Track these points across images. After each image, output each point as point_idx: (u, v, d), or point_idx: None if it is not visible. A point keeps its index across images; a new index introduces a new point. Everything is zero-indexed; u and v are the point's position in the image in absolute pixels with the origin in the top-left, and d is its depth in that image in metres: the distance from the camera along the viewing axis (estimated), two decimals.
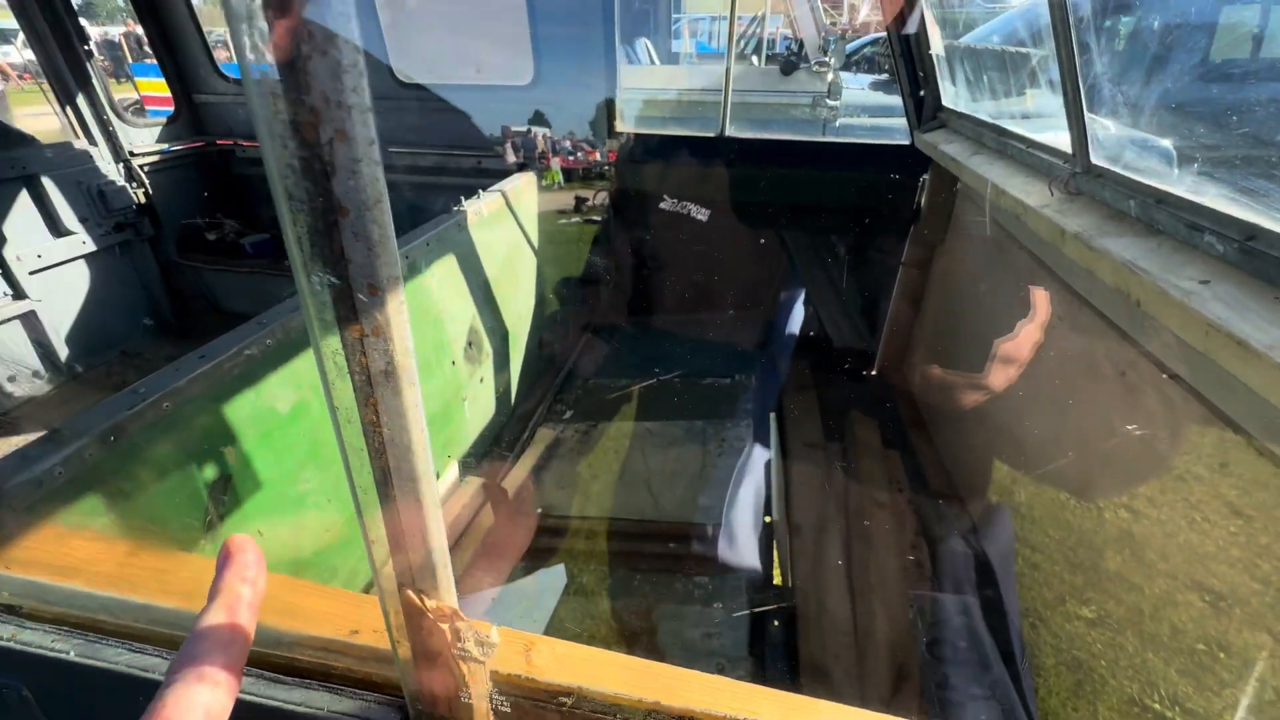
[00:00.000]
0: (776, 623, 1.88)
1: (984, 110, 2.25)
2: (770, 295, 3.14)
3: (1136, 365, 1.36)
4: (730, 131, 2.90)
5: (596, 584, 1.73)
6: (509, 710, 0.45)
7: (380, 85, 3.04)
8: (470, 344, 2.19)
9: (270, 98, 0.26)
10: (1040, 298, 1.78)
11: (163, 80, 3.12)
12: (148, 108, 5.29)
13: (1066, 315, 1.66)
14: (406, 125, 3.05)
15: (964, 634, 1.98)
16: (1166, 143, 1.51)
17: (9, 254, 2.45)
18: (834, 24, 4.01)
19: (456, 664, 0.41)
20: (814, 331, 3.28)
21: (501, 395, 2.41)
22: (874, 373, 3.33)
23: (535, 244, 2.83)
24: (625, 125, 2.99)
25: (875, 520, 2.36)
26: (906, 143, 2.77)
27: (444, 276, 2.06)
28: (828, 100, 3.88)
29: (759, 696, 0.49)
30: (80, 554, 0.63)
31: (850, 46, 5.61)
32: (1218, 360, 0.87)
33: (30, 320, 2.57)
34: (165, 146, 3.09)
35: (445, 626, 0.40)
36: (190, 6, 3.06)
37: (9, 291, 2.49)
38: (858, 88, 4.43)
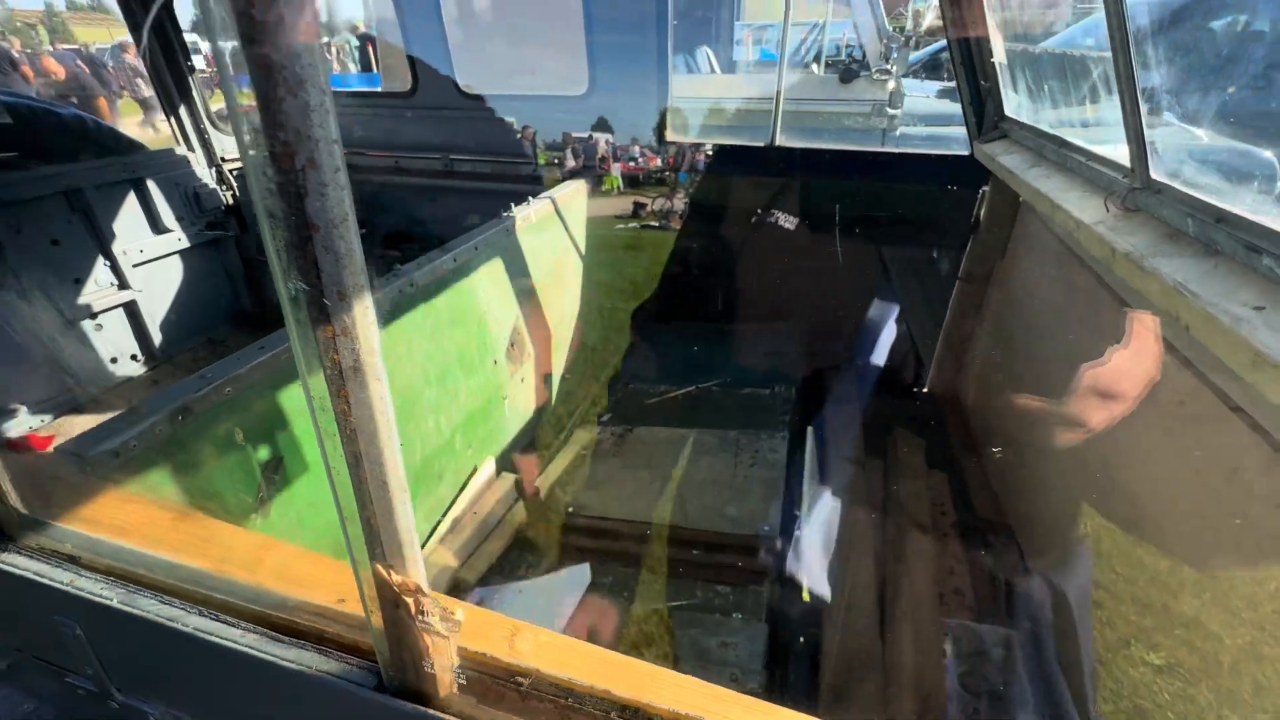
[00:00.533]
0: (802, 639, 1.85)
1: (1049, 120, 2.15)
2: (817, 306, 3.09)
3: (1198, 395, 1.27)
4: (781, 141, 2.88)
5: (618, 585, 1.77)
6: (470, 683, 0.49)
7: (446, 97, 3.21)
8: (513, 344, 2.28)
9: (252, 133, 0.31)
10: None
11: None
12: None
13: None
14: (466, 134, 3.20)
15: (1003, 669, 1.89)
16: (1269, 154, 1.40)
17: (116, 248, 2.74)
18: (900, 29, 3.90)
19: (420, 635, 0.45)
20: (863, 345, 3.20)
21: (541, 395, 2.49)
22: (925, 390, 3.22)
23: (582, 250, 2.91)
24: (676, 134, 3.02)
25: (913, 542, 2.29)
26: (965, 153, 2.67)
27: (490, 278, 2.15)
28: (888, 109, 3.79)
29: (723, 699, 0.51)
30: (135, 517, 0.71)
31: (921, 54, 5.43)
32: (1265, 393, 0.81)
33: (131, 309, 2.86)
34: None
35: (410, 600, 0.44)
36: None
37: (115, 282, 2.78)
38: (923, 95, 4.29)
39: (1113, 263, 1.30)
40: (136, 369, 2.88)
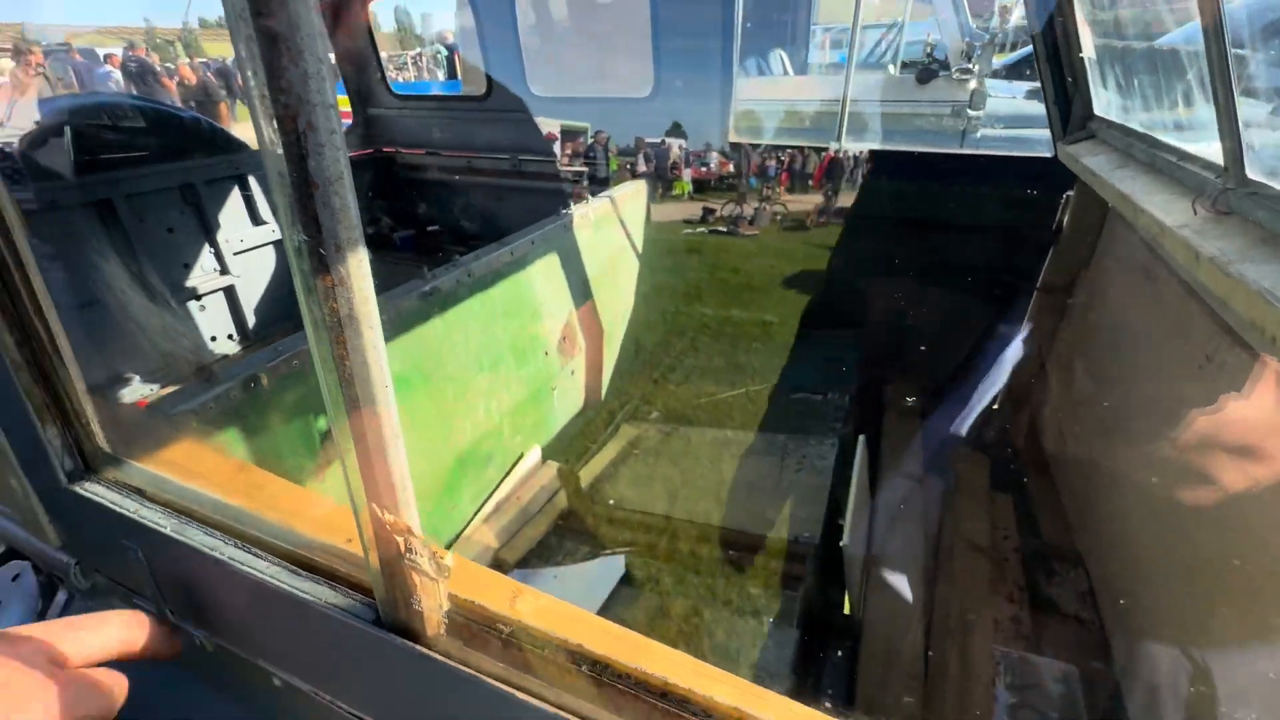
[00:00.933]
0: (840, 653, 1.79)
1: (1142, 120, 1.98)
2: (876, 312, 2.99)
3: None
4: (847, 143, 2.82)
5: (652, 578, 1.78)
6: (457, 626, 0.52)
7: (516, 101, 3.34)
8: (564, 338, 2.34)
9: (262, 98, 0.35)
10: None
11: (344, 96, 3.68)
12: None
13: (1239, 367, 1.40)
14: (534, 136, 3.32)
15: (1062, 706, 1.76)
16: None
17: (220, 238, 3.03)
18: (985, 29, 3.70)
19: (409, 574, 0.49)
20: (926, 354, 3.06)
21: (591, 389, 2.54)
22: (994, 406, 3.04)
23: (639, 249, 2.95)
24: (740, 136, 3.00)
25: (968, 563, 2.17)
26: (1049, 155, 2.51)
27: (545, 273, 2.22)
28: (969, 110, 3.61)
29: (712, 677, 0.50)
30: (199, 464, 0.79)
31: (1012, 57, 5.12)
32: None
33: (230, 293, 3.15)
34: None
35: (400, 539, 0.48)
36: (372, 35, 3.58)
37: (217, 268, 3.07)
38: (1009, 96, 4.05)
39: (1197, 269, 1.18)
40: (233, 347, 3.16)
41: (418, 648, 0.51)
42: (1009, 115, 3.63)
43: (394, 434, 0.45)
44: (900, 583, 1.96)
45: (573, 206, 2.47)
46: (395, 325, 1.59)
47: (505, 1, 3.21)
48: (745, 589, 1.72)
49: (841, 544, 2.11)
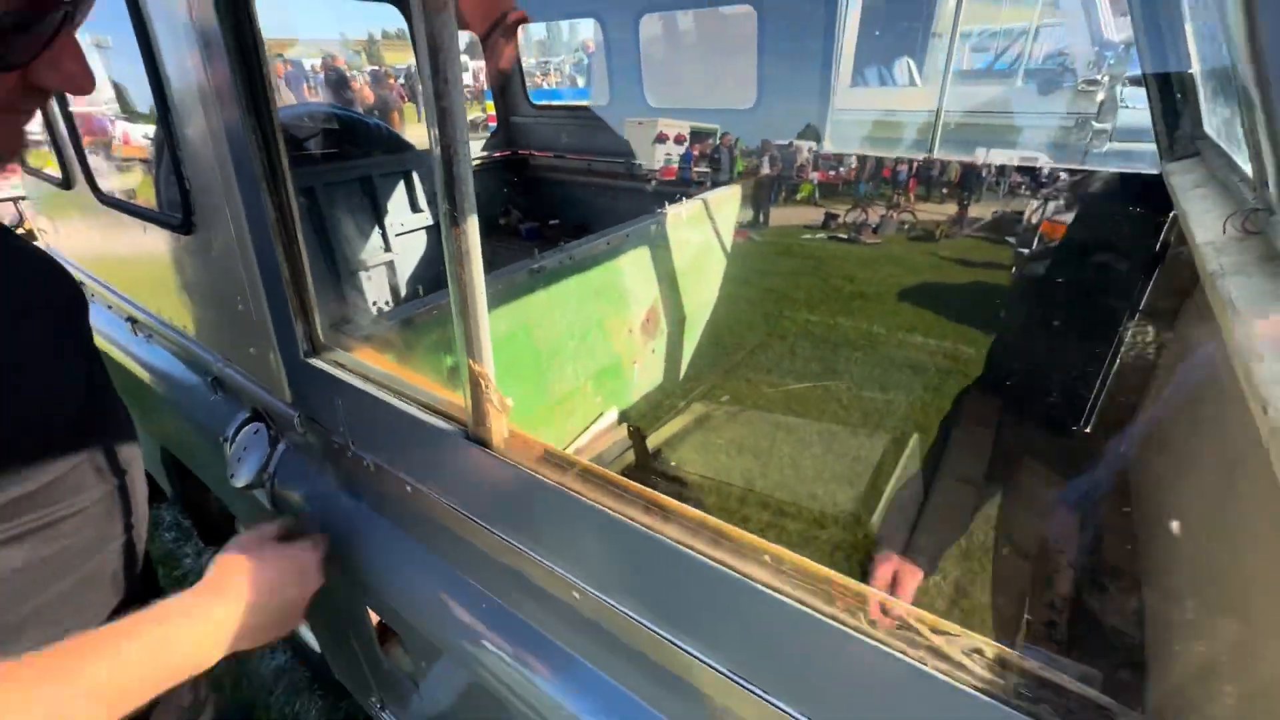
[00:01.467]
0: None
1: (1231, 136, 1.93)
2: (959, 319, 3.02)
3: None
4: (940, 154, 2.89)
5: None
6: (513, 441, 0.88)
7: (633, 109, 3.75)
8: (648, 319, 2.69)
9: (431, 128, 0.73)
10: None
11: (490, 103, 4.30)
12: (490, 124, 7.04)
13: None
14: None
15: None
16: None
17: (386, 221, 3.72)
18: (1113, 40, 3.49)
19: (485, 404, 0.85)
20: (1016, 370, 3.04)
21: (669, 368, 2.87)
22: (1085, 428, 2.96)
23: (727, 248, 3.22)
24: (836, 145, 3.17)
25: (1010, 568, 2.23)
26: (1155, 173, 2.45)
27: (635, 261, 2.59)
28: (1094, 123, 3.47)
29: (715, 527, 0.82)
30: (374, 359, 1.23)
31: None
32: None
33: (390, 267, 3.85)
34: (486, 154, 4.26)
35: (481, 380, 0.84)
36: (518, 54, 4.17)
37: (383, 246, 3.78)
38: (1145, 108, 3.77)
39: (1206, 285, 1.24)
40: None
41: (488, 451, 0.88)
42: (1138, 129, 3.41)
43: (483, 317, 0.82)
44: (926, 567, 2.08)
45: (668, 206, 2.81)
46: (507, 294, 2.03)
47: (630, 20, 3.62)
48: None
49: (872, 520, 2.26)
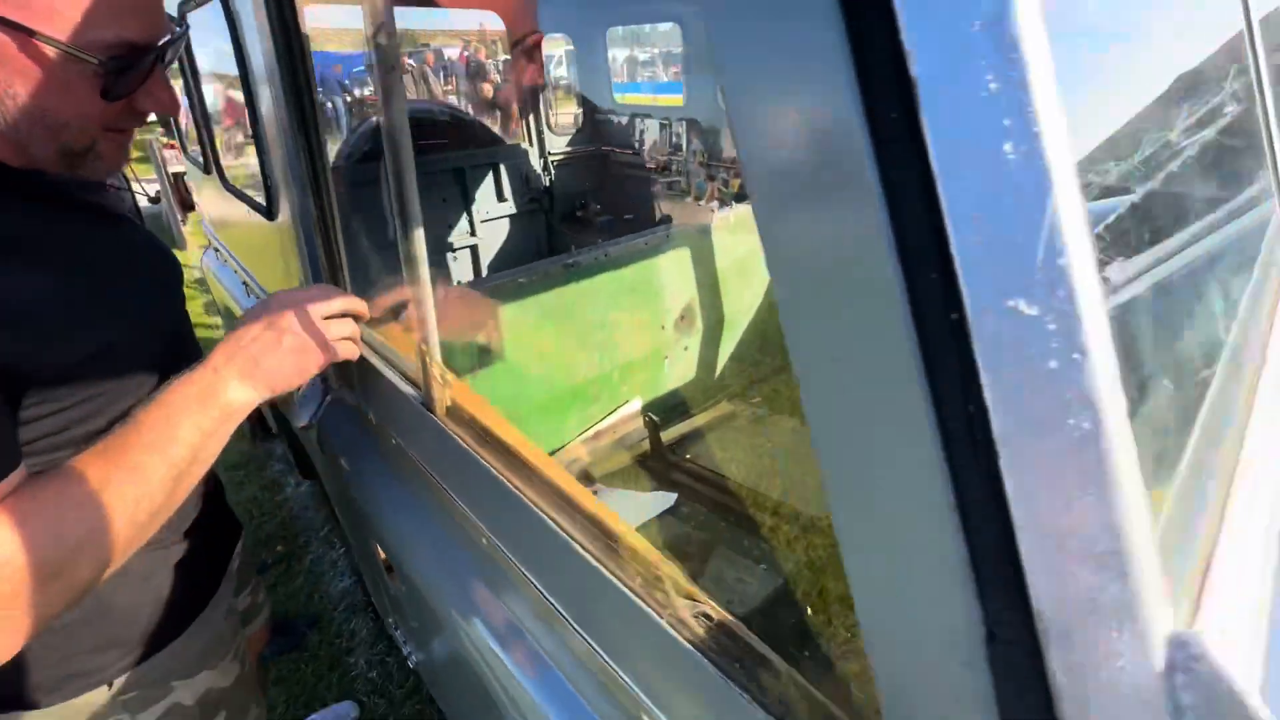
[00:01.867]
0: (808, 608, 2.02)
1: None
2: None
3: None
4: None
5: (693, 518, 2.21)
6: (454, 411, 1.09)
7: (707, 110, 3.85)
8: (683, 317, 2.82)
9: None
10: None
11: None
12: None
13: None
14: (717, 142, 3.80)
15: None
16: None
17: (474, 208, 4.11)
18: None
19: (432, 379, 1.06)
20: None
21: (702, 366, 2.98)
22: None
23: None
24: None
25: None
26: None
27: (674, 261, 2.72)
28: None
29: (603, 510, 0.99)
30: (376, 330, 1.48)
31: None
32: None
33: (474, 250, 4.25)
34: (569, 150, 4.55)
35: (428, 359, 1.05)
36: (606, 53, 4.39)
37: (469, 230, 4.18)
38: None
39: None
40: None
41: (432, 416, 1.09)
42: None
43: (429, 302, 1.02)
44: None
45: (717, 208, 2.91)
46: (540, 285, 2.25)
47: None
48: (760, 544, 2.06)
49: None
